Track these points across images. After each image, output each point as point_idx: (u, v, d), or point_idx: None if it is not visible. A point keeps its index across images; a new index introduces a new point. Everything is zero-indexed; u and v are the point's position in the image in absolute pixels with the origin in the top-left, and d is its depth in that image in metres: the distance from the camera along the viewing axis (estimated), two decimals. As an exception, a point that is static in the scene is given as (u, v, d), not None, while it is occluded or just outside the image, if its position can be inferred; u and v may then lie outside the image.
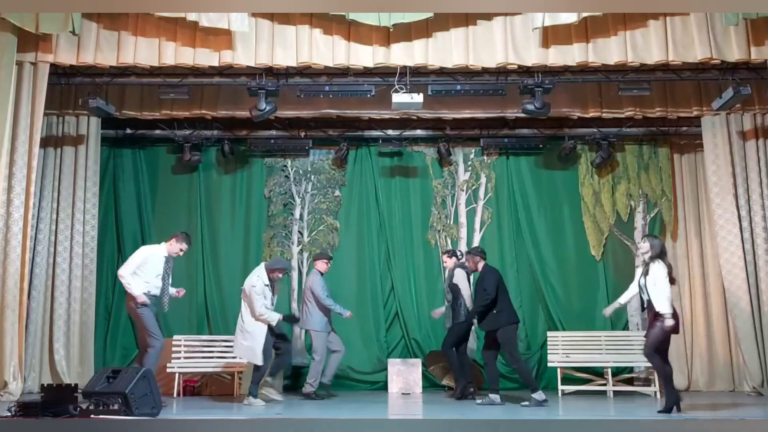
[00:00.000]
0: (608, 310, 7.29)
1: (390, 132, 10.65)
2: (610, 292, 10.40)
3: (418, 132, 10.70)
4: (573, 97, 9.68)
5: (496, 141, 10.59)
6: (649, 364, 9.15)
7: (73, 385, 6.18)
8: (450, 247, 10.43)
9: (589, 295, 10.45)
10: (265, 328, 7.66)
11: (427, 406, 7.98)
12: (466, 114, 9.95)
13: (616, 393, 9.02)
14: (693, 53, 8.11)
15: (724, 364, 9.81)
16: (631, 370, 9.90)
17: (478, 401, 7.84)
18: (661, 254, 6.81)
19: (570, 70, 8.92)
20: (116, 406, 6.08)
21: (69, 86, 9.30)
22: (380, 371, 10.13)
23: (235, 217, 10.81)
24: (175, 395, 8.90)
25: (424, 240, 10.68)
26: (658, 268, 6.74)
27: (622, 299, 7.23)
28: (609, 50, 8.21)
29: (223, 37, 8.17)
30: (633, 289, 7.09)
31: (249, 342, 7.64)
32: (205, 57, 8.26)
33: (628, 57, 8.17)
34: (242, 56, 8.25)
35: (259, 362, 7.62)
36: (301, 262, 10.71)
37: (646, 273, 6.82)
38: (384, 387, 9.72)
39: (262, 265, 7.93)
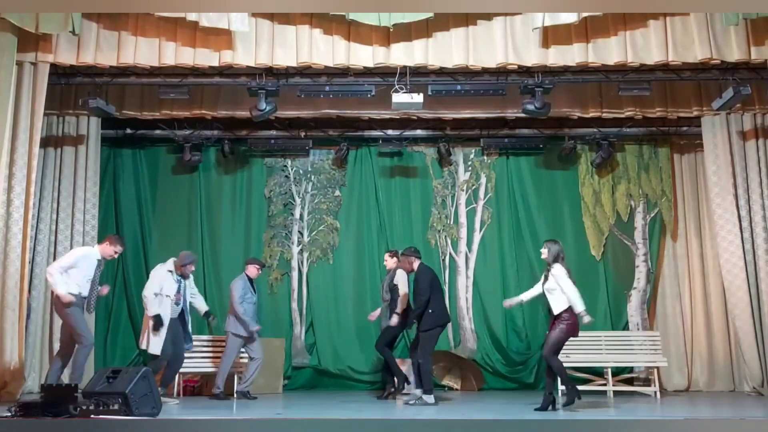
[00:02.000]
0: (508, 302, 7.53)
1: (390, 132, 10.65)
2: (610, 292, 10.42)
3: (418, 132, 10.70)
4: (573, 97, 9.68)
5: (496, 141, 10.59)
6: (649, 364, 9.25)
7: (73, 385, 6.18)
8: (450, 247, 10.48)
9: (589, 295, 10.31)
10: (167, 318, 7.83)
11: (427, 406, 7.95)
12: (466, 114, 9.95)
13: (616, 393, 9.02)
14: (693, 53, 8.11)
15: (724, 364, 9.83)
16: (631, 370, 9.90)
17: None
18: (557, 258, 7.01)
19: (570, 70, 8.91)
20: (116, 406, 6.07)
21: (69, 86, 9.31)
22: (380, 371, 10.11)
23: (236, 217, 10.81)
24: (175, 395, 8.89)
25: (424, 240, 10.68)
26: (557, 271, 6.93)
27: (525, 296, 7.41)
28: (609, 50, 8.21)
29: (223, 37, 8.17)
30: (537, 289, 7.23)
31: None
32: (205, 57, 8.26)
33: (628, 57, 8.17)
34: (242, 56, 8.25)
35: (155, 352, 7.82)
36: (301, 262, 10.71)
37: (546, 278, 7.02)
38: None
39: (173, 258, 8.11)
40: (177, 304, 7.98)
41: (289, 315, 10.55)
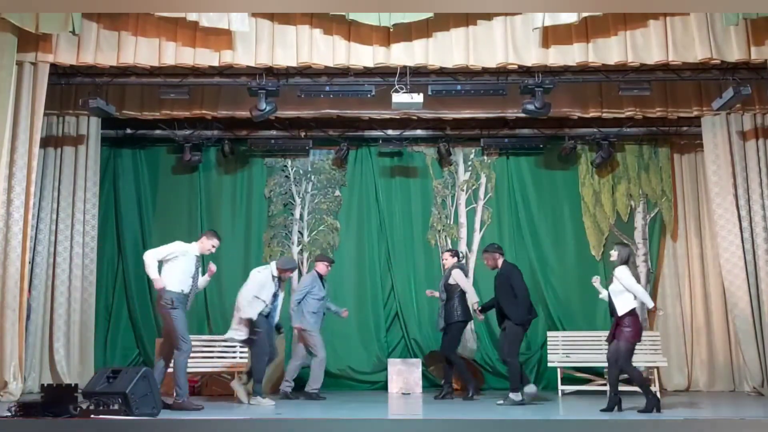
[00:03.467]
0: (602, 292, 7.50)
1: (390, 132, 10.65)
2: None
3: (418, 132, 10.69)
4: (573, 97, 9.68)
5: (496, 141, 10.59)
6: (649, 364, 9.24)
7: (73, 385, 6.18)
8: (450, 246, 10.45)
9: (589, 295, 10.35)
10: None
11: (427, 406, 7.98)
12: (466, 114, 9.95)
13: (617, 393, 9.00)
14: (693, 53, 8.12)
15: (724, 364, 9.83)
16: (631, 370, 9.89)
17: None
18: (626, 261, 7.12)
19: (570, 70, 8.91)
20: (116, 406, 6.08)
21: (69, 86, 9.31)
22: (380, 371, 10.13)
23: (236, 218, 10.81)
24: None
25: (424, 240, 10.68)
26: (621, 274, 7.02)
27: (602, 294, 7.47)
28: (609, 50, 8.21)
29: (223, 37, 8.17)
30: (604, 294, 7.35)
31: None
32: (205, 57, 8.27)
33: (628, 57, 8.17)
34: (242, 56, 8.26)
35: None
36: (301, 263, 10.70)
37: (611, 280, 7.09)
38: (384, 387, 9.72)
39: (275, 262, 8.08)
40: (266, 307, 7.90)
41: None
